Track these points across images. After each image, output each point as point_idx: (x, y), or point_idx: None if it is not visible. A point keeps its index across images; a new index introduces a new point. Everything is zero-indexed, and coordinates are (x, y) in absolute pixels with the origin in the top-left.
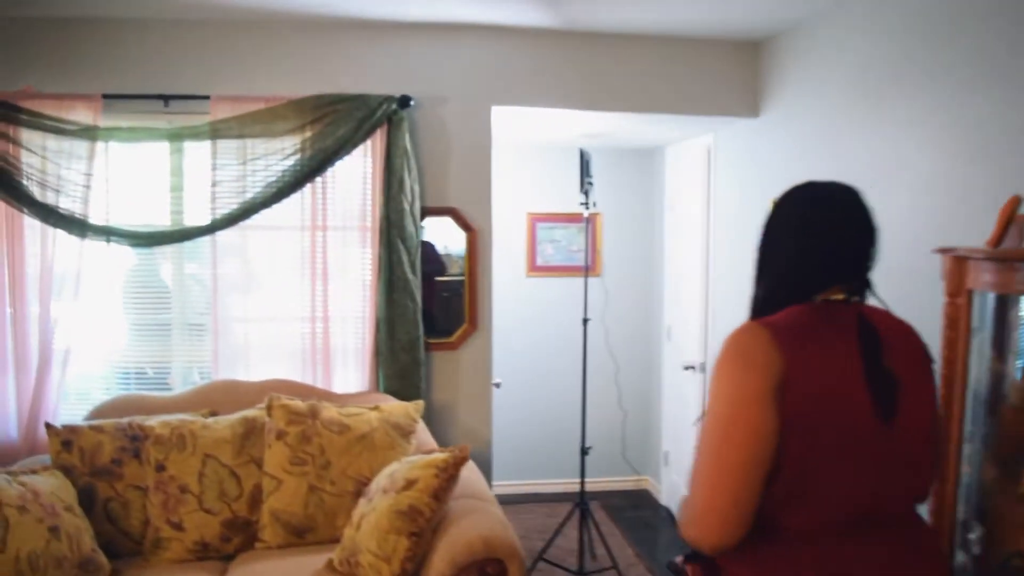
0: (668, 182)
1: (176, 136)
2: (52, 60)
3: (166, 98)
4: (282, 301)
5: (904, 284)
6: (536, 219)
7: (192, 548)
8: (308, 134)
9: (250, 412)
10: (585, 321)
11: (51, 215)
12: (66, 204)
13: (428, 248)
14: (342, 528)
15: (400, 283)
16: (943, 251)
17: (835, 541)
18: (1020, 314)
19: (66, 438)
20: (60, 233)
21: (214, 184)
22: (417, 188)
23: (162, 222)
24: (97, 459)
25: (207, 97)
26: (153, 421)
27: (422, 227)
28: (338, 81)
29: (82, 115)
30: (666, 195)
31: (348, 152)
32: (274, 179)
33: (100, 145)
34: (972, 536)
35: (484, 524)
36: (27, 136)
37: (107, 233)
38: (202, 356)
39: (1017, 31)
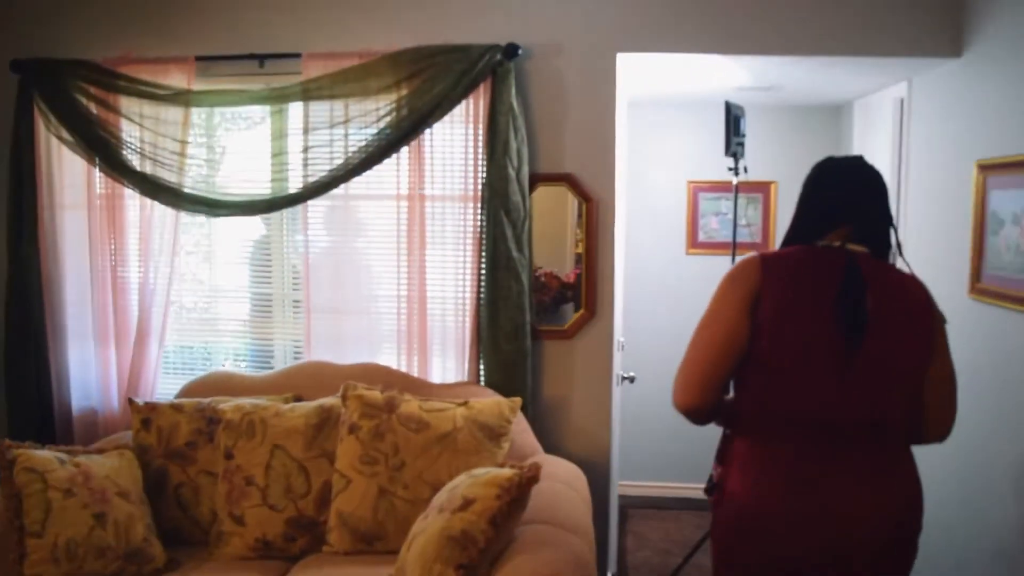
0: (856, 145)
1: (265, 99)
2: (147, 25)
3: (261, 57)
4: (376, 278)
5: None
6: (698, 188)
7: (253, 545)
8: (404, 92)
9: (328, 400)
10: None
11: (147, 184)
12: (161, 173)
13: None
14: None
15: (503, 261)
16: None
17: (802, 444)
18: None
19: (146, 416)
20: (160, 204)
21: (305, 149)
22: (525, 151)
23: (263, 191)
24: (173, 440)
25: (300, 55)
26: (229, 404)
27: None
28: (440, 32)
29: (176, 79)
30: None
31: (447, 111)
32: (368, 142)
33: (194, 111)
34: None
35: (550, 563)
36: (126, 104)
37: (199, 203)
38: (299, 335)
39: None
